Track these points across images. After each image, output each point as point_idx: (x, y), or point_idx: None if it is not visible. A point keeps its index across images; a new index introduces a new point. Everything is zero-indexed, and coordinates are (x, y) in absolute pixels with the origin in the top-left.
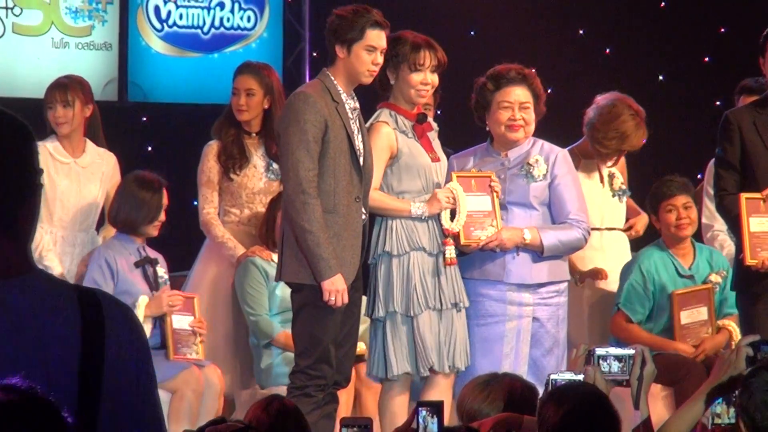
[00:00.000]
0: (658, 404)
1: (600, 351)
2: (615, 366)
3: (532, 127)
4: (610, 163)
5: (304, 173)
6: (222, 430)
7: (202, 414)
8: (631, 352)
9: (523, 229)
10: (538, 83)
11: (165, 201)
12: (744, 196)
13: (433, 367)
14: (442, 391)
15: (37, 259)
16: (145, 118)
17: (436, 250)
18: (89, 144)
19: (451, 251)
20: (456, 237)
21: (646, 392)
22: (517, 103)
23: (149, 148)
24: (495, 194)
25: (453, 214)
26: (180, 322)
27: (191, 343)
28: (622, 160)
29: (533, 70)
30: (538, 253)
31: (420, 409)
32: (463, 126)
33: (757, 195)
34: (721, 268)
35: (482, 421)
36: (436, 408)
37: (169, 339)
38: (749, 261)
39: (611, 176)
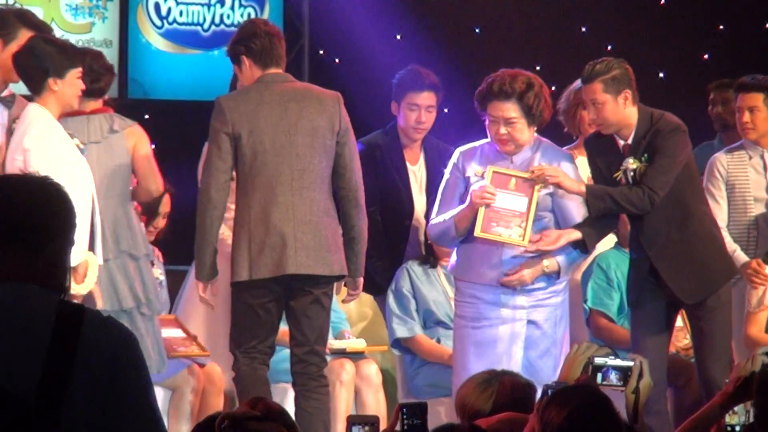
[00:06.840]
0: None
1: (599, 361)
2: (614, 378)
3: (524, 138)
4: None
5: None
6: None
7: (203, 411)
8: (630, 363)
9: (542, 262)
10: (531, 96)
11: (164, 208)
12: (492, 168)
13: None
14: None
15: None
16: (147, 116)
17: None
18: None
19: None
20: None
21: (642, 405)
22: (502, 118)
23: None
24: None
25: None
26: (169, 333)
27: (188, 345)
28: None
29: (525, 83)
30: (531, 257)
31: (403, 409)
32: (468, 122)
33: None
34: None
35: (485, 419)
36: (420, 409)
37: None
38: (478, 233)
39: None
